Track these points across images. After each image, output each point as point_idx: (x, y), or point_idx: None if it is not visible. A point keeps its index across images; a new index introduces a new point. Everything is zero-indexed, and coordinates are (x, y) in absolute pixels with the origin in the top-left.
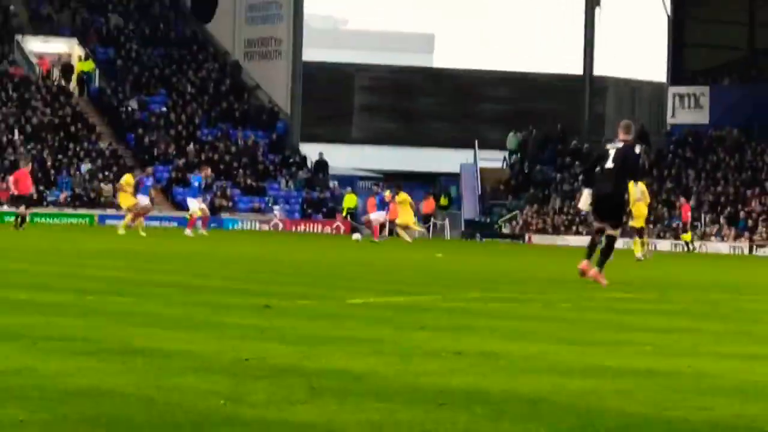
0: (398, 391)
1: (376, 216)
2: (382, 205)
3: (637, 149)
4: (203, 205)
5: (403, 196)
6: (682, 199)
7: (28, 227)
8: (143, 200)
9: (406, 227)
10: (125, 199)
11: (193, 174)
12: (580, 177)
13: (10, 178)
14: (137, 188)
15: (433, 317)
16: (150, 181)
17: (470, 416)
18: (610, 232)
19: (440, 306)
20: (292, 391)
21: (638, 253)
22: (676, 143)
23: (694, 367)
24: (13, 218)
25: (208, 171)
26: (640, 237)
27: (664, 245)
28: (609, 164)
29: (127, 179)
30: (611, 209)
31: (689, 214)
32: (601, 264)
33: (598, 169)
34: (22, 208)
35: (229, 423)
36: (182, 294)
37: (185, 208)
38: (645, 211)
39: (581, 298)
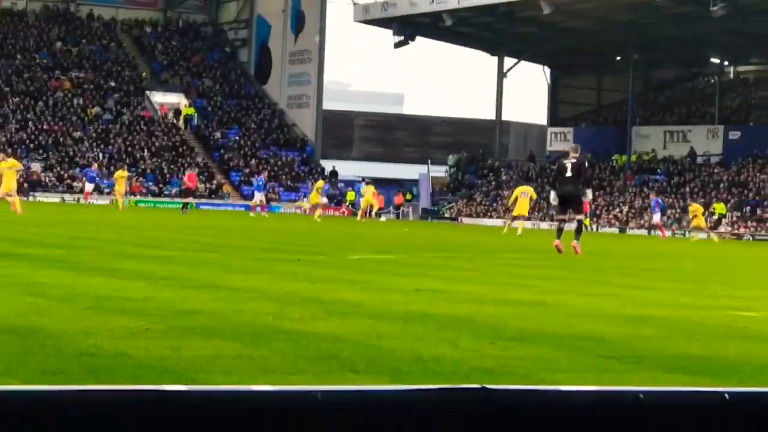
0: (380, 314)
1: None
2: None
3: (587, 163)
4: (263, 197)
5: (369, 188)
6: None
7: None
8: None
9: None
10: (314, 197)
11: (256, 177)
12: (551, 184)
13: (185, 177)
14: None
15: (401, 267)
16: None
17: (425, 329)
18: (578, 217)
19: (407, 261)
20: (315, 312)
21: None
22: (552, 163)
23: (562, 300)
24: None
25: (265, 175)
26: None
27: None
28: (568, 173)
29: (319, 184)
30: (574, 203)
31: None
32: (577, 238)
33: (561, 176)
34: (189, 198)
35: (276, 332)
36: (248, 252)
37: (251, 199)
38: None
39: (494, 257)
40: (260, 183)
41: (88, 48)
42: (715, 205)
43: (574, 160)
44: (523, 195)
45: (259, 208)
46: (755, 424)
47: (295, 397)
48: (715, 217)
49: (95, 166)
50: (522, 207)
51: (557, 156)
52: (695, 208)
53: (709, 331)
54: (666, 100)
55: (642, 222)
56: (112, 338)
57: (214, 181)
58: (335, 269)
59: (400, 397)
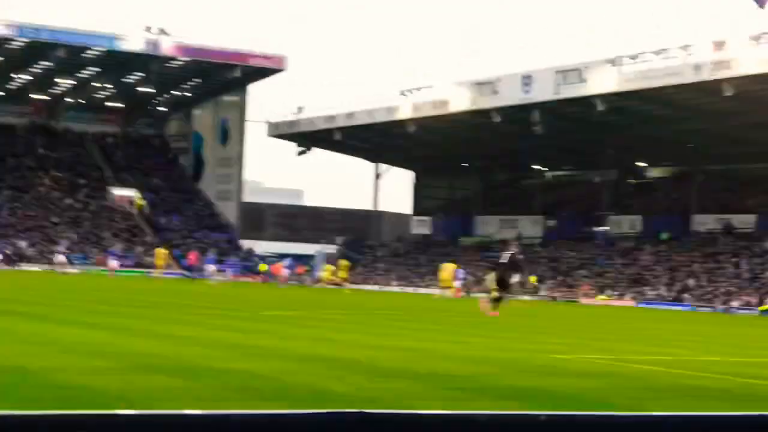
0: (284, 356)
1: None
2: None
3: (520, 256)
4: (214, 269)
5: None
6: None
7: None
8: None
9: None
10: (447, 280)
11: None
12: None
13: (189, 255)
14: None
15: (303, 321)
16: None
17: (318, 367)
18: (501, 294)
19: (307, 316)
20: (235, 355)
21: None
22: (414, 244)
23: (423, 346)
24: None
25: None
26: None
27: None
28: (503, 261)
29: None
30: (503, 283)
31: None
32: (495, 306)
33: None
34: (195, 274)
35: (206, 369)
36: (186, 309)
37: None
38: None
39: (372, 314)
40: (211, 258)
41: (64, 153)
42: (530, 278)
43: (509, 253)
44: (444, 270)
45: (212, 276)
46: None
47: (220, 419)
48: (531, 285)
49: (117, 246)
50: (445, 279)
51: (418, 239)
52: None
53: (534, 369)
54: (501, 196)
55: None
56: (80, 374)
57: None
58: (252, 322)
59: (298, 419)
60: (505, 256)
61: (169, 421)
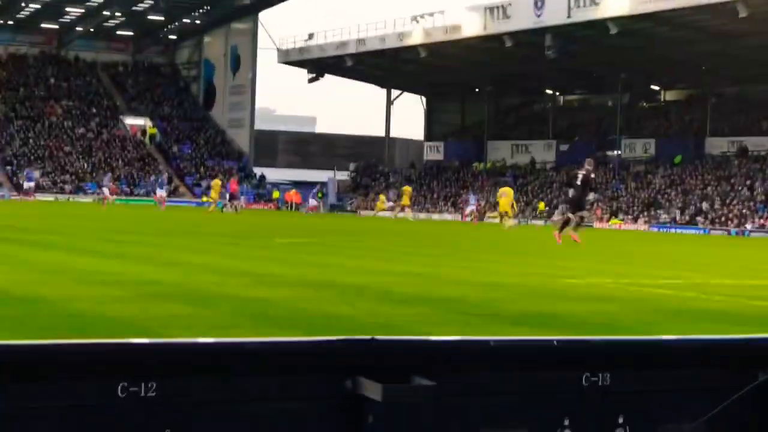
0: (297, 282)
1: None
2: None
3: (592, 175)
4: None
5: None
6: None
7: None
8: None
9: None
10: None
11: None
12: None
13: (229, 183)
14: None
15: (314, 248)
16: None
17: (330, 294)
18: (575, 215)
19: (318, 243)
20: (249, 282)
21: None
22: (427, 170)
23: (435, 272)
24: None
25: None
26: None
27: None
28: (578, 181)
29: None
30: (580, 205)
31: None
32: (573, 229)
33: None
34: (235, 202)
35: (219, 297)
36: (199, 237)
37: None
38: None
39: (383, 239)
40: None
41: (74, 83)
42: (538, 203)
43: (584, 171)
44: (503, 195)
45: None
46: (577, 363)
47: (230, 346)
48: (539, 210)
49: (166, 176)
50: (504, 205)
51: (432, 164)
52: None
53: (545, 293)
54: (513, 121)
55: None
56: (94, 303)
57: (172, 184)
58: (265, 249)
59: (312, 346)
60: (579, 176)
61: (185, 349)
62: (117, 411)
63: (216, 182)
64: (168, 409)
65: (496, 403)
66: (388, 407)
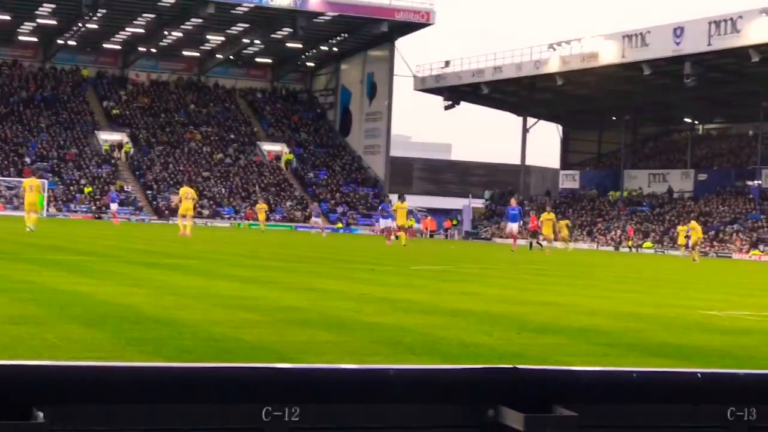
0: (433, 310)
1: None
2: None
3: None
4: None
5: (404, 205)
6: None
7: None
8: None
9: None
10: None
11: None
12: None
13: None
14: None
15: (449, 275)
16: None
17: (467, 322)
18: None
19: (453, 271)
20: (385, 309)
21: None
22: (562, 198)
23: (571, 301)
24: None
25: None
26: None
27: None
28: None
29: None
30: None
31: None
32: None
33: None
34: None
35: (355, 323)
36: (332, 263)
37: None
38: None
39: (520, 268)
40: (318, 210)
41: (214, 109)
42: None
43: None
44: (547, 221)
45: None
46: (721, 396)
47: (372, 372)
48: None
49: (315, 205)
50: (546, 229)
51: (567, 192)
52: (687, 227)
53: (683, 324)
54: (650, 150)
55: (638, 242)
56: (232, 327)
57: (307, 210)
58: (400, 276)
59: (455, 375)
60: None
61: (325, 375)
62: None
63: (261, 206)
64: None
65: None
66: None
